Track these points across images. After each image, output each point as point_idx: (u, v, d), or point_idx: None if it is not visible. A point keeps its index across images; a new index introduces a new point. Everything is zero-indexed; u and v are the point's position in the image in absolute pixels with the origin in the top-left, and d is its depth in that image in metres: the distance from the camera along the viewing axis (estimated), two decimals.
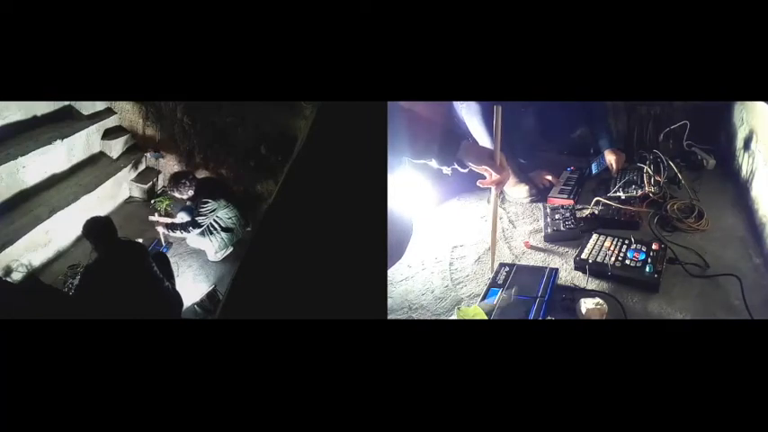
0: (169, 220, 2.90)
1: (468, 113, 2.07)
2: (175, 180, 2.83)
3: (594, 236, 1.65)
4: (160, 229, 2.86)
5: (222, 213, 2.85)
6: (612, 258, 1.52)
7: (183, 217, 2.95)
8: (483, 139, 2.10)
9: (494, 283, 1.49)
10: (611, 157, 2.10)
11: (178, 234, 2.84)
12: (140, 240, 2.86)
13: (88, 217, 2.28)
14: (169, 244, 2.95)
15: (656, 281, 1.43)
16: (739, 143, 2.06)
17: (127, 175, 3.20)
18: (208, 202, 2.77)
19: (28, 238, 2.43)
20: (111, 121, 3.21)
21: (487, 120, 2.04)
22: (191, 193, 2.82)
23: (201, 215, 2.78)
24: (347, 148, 1.13)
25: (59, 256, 2.71)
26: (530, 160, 2.17)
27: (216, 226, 2.86)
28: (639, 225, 1.76)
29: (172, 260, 2.79)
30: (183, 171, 3.03)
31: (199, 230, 2.83)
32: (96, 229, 2.25)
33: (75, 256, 2.68)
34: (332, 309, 0.91)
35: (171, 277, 2.49)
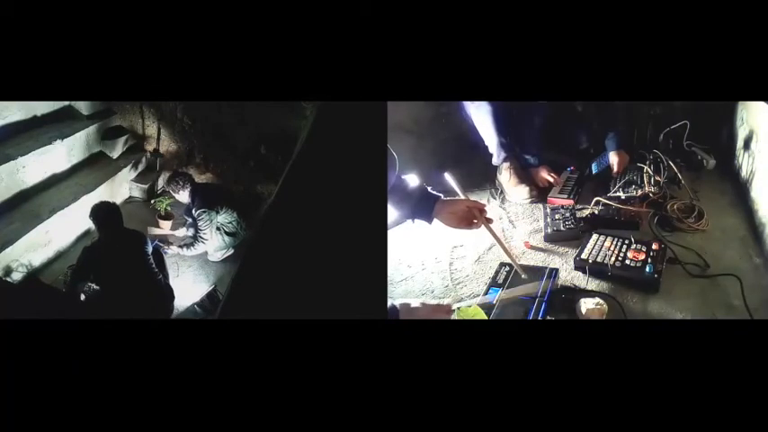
0: (178, 245, 2.91)
1: (478, 112, 2.07)
2: (170, 179, 2.89)
3: (594, 236, 1.65)
4: (173, 250, 2.87)
5: (221, 218, 2.86)
6: (612, 258, 1.52)
7: (190, 232, 2.99)
8: (490, 137, 2.10)
9: (494, 283, 1.49)
10: (615, 159, 2.10)
11: (192, 251, 2.87)
12: None
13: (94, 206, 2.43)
14: (170, 244, 2.95)
15: (656, 281, 1.43)
16: (739, 143, 2.06)
17: (127, 175, 3.20)
18: (203, 214, 2.78)
19: (28, 238, 2.42)
20: (111, 121, 3.21)
21: (496, 119, 2.05)
22: (184, 193, 2.83)
23: (201, 230, 2.81)
24: (347, 148, 1.13)
25: (59, 256, 2.70)
26: (535, 158, 2.16)
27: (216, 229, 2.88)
28: (639, 225, 1.76)
29: (172, 260, 2.80)
30: (179, 171, 3.05)
31: (205, 243, 2.85)
32: (102, 213, 2.37)
33: (75, 256, 2.68)
34: (332, 309, 0.91)
35: (164, 271, 2.56)
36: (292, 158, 1.39)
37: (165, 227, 3.08)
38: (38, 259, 2.55)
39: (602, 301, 1.33)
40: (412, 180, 1.47)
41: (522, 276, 1.45)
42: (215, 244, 2.89)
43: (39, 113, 2.81)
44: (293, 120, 3.00)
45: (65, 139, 2.79)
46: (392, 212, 1.38)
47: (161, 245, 2.82)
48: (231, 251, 2.98)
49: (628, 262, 1.50)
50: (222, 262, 2.97)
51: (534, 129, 2.15)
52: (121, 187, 3.18)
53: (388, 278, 1.63)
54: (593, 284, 1.49)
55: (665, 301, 1.40)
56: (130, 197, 3.28)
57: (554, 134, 2.24)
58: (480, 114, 2.07)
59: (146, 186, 3.25)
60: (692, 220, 1.77)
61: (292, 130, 3.02)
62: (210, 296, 2.67)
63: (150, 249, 2.47)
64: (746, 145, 1.97)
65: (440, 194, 1.43)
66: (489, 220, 1.43)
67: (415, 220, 1.41)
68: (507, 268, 1.55)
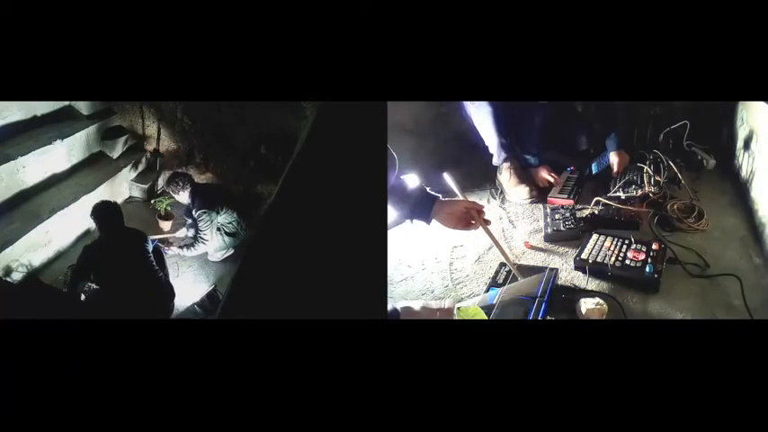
0: (178, 246, 2.91)
1: (478, 112, 2.07)
2: (170, 179, 2.88)
3: (594, 236, 1.65)
4: (172, 251, 2.87)
5: (222, 219, 2.86)
6: (612, 258, 1.52)
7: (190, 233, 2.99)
8: (490, 137, 2.10)
9: (494, 283, 1.49)
10: (615, 159, 2.10)
11: (193, 252, 2.88)
12: None
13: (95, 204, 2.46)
14: (169, 244, 2.95)
15: (656, 281, 1.43)
16: (739, 143, 2.06)
17: (127, 175, 3.20)
18: (203, 215, 2.78)
19: (28, 238, 2.43)
20: (111, 121, 3.21)
21: (496, 119, 2.05)
22: (184, 194, 2.83)
23: (202, 230, 2.82)
24: (347, 148, 1.13)
25: (59, 256, 2.70)
26: (535, 158, 2.16)
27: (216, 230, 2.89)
28: (639, 225, 1.76)
29: (172, 260, 2.81)
30: (179, 172, 3.05)
31: (206, 244, 2.86)
32: (104, 212, 2.40)
33: (75, 256, 2.68)
34: (332, 309, 0.91)
35: (165, 269, 2.59)
36: (292, 158, 1.39)
37: (165, 227, 3.08)
38: (38, 259, 2.55)
39: (602, 301, 1.33)
40: (411, 180, 1.47)
41: (519, 279, 1.45)
42: (215, 244, 2.89)
43: (39, 113, 2.81)
44: (293, 120, 3.00)
45: (65, 139, 2.79)
46: (391, 213, 1.39)
47: (161, 246, 2.82)
48: (231, 251, 2.99)
49: (628, 262, 1.50)
50: (222, 262, 2.97)
51: (534, 129, 2.14)
52: (121, 187, 3.18)
53: (388, 278, 1.63)
54: (593, 284, 1.49)
55: (665, 301, 1.41)
56: (130, 197, 3.28)
57: (554, 134, 2.24)
58: (480, 114, 2.07)
59: (146, 186, 3.25)
60: (692, 220, 1.77)
61: (292, 130, 3.02)
62: (210, 296, 2.67)
63: (151, 248, 2.48)
64: (746, 145, 1.98)
65: (438, 195, 1.44)
66: (487, 222, 1.44)
67: (414, 220, 1.41)
68: (507, 268, 1.55)
